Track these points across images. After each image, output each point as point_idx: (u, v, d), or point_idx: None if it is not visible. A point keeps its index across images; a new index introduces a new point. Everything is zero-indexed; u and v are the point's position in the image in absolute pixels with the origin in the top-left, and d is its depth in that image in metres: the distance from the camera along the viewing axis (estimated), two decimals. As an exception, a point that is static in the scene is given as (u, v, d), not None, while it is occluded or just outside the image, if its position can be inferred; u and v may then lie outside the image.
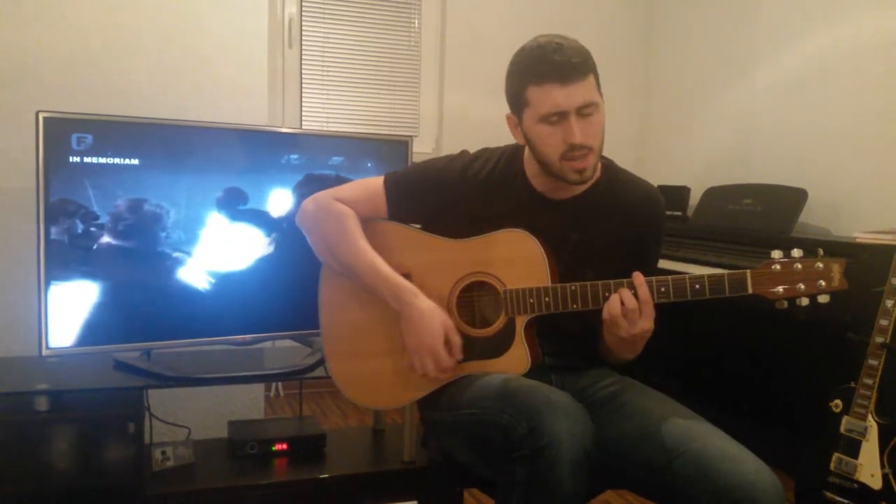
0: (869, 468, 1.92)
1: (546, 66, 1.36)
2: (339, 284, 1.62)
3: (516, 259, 1.47)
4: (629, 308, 1.35)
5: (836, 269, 1.28)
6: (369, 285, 1.53)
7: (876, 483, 1.91)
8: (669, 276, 1.36)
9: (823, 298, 1.29)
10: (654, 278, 1.36)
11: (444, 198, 1.56)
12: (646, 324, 1.36)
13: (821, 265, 1.29)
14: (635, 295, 1.36)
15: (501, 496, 1.31)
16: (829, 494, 1.98)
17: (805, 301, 1.30)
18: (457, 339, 1.47)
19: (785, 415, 2.59)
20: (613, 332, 1.39)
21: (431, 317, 1.46)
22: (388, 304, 1.51)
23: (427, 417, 1.58)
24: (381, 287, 1.51)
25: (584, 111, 1.39)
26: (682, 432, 1.36)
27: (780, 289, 1.30)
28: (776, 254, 1.31)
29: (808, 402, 2.15)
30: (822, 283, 1.28)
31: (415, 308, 1.47)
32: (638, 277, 1.36)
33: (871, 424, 1.94)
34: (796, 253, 1.31)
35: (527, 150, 1.55)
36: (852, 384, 1.99)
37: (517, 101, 1.44)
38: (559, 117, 1.38)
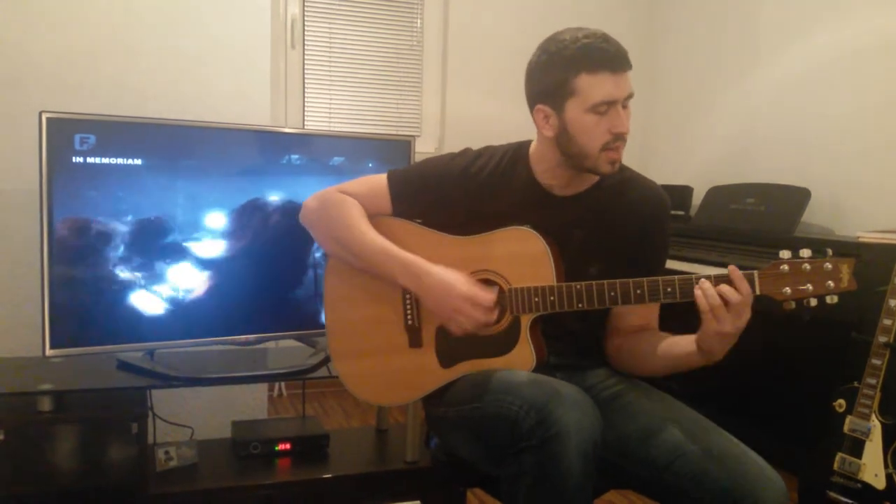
0: (873, 468, 1.92)
1: (600, 54, 1.37)
2: (344, 281, 1.62)
3: (521, 257, 1.47)
4: (734, 302, 1.28)
5: (846, 269, 1.27)
6: (377, 266, 1.52)
7: (879, 483, 1.90)
8: (676, 276, 1.35)
9: (832, 299, 1.28)
10: (660, 278, 1.36)
11: (446, 195, 1.56)
12: (747, 314, 1.30)
13: (829, 265, 1.27)
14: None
15: (508, 489, 1.31)
16: (832, 495, 1.98)
17: (814, 302, 1.28)
18: (481, 292, 1.43)
19: (788, 414, 2.59)
20: (717, 331, 1.30)
21: (449, 275, 1.44)
22: (399, 282, 1.50)
23: (432, 414, 1.58)
24: (390, 265, 1.49)
25: (626, 102, 1.41)
26: (686, 432, 1.36)
27: (788, 290, 1.28)
28: (784, 254, 1.29)
29: (811, 401, 2.14)
30: (831, 283, 1.27)
31: (431, 277, 1.45)
32: (735, 272, 1.31)
33: (875, 424, 1.94)
34: (805, 253, 1.29)
35: (533, 146, 1.55)
36: (856, 384, 1.99)
37: (558, 92, 1.41)
38: (608, 107, 1.38)
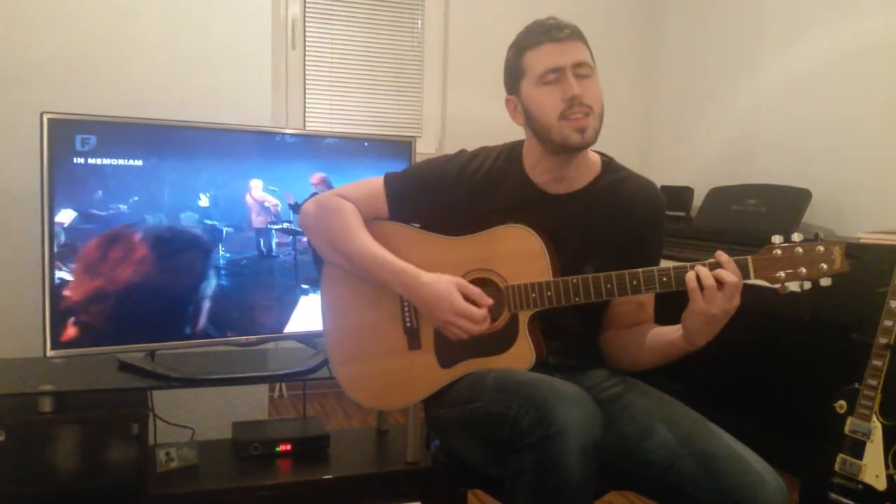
0: (873, 469, 1.92)
1: (540, 29, 1.44)
2: (340, 287, 1.62)
3: (517, 254, 1.47)
4: (729, 282, 1.28)
5: (837, 251, 1.27)
6: (372, 274, 1.52)
7: (881, 484, 1.90)
8: (671, 265, 1.35)
9: (826, 282, 1.28)
10: (655, 268, 1.36)
11: (442, 196, 1.56)
12: (737, 300, 1.30)
13: (822, 248, 1.28)
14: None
15: (509, 488, 1.31)
16: (833, 496, 1.98)
17: (808, 285, 1.29)
18: (474, 289, 1.45)
19: (789, 416, 2.59)
20: (704, 311, 1.30)
21: (439, 284, 1.45)
22: (394, 290, 1.51)
23: (432, 415, 1.58)
24: (385, 274, 1.50)
25: (580, 71, 1.42)
26: (686, 432, 1.36)
27: (783, 273, 1.29)
28: (777, 239, 1.31)
29: (812, 402, 2.14)
30: (824, 266, 1.28)
31: (422, 285, 1.46)
32: (723, 255, 1.31)
33: (876, 425, 1.93)
34: (797, 237, 1.30)
35: (526, 143, 1.56)
36: (856, 385, 1.99)
37: (515, 76, 1.48)
38: (556, 75, 1.41)
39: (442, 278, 1.46)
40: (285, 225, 2.05)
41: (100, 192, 1.84)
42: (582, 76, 1.42)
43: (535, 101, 1.44)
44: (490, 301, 1.45)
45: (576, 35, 1.43)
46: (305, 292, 2.08)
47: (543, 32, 1.43)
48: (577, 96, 1.40)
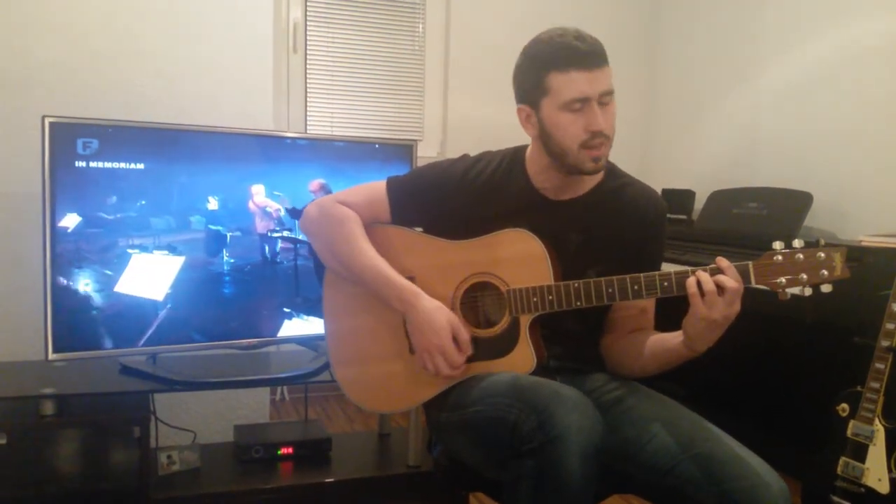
0: (876, 472, 1.92)
1: (570, 52, 1.38)
2: (343, 290, 1.62)
3: (519, 258, 1.47)
4: (729, 288, 1.28)
5: (838, 258, 1.27)
6: (373, 288, 1.53)
7: (883, 487, 1.90)
8: (672, 270, 1.35)
9: (826, 288, 1.28)
10: (656, 273, 1.36)
11: (445, 200, 1.56)
12: (738, 305, 1.31)
13: (822, 255, 1.28)
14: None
15: (510, 492, 1.31)
16: (835, 499, 1.97)
17: (808, 291, 1.29)
18: (465, 336, 1.47)
19: (791, 419, 2.59)
20: (705, 317, 1.30)
21: (437, 315, 1.46)
22: (392, 306, 1.51)
23: (433, 418, 1.58)
24: (385, 289, 1.51)
25: (604, 99, 1.41)
26: (688, 435, 1.36)
27: (783, 279, 1.29)
28: (777, 245, 1.30)
29: (814, 405, 2.14)
30: (825, 272, 1.27)
31: (420, 309, 1.47)
32: (724, 261, 1.32)
33: (878, 428, 1.93)
34: (798, 243, 1.30)
35: (529, 149, 1.56)
36: (859, 388, 1.98)
37: (534, 90, 1.44)
38: (582, 104, 1.39)
39: (441, 311, 1.47)
40: (286, 233, 2.05)
41: (101, 196, 1.84)
42: (605, 103, 1.41)
43: (557, 126, 1.43)
44: (470, 352, 1.47)
45: (602, 59, 1.40)
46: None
47: (573, 56, 1.38)
48: (601, 130, 1.40)
